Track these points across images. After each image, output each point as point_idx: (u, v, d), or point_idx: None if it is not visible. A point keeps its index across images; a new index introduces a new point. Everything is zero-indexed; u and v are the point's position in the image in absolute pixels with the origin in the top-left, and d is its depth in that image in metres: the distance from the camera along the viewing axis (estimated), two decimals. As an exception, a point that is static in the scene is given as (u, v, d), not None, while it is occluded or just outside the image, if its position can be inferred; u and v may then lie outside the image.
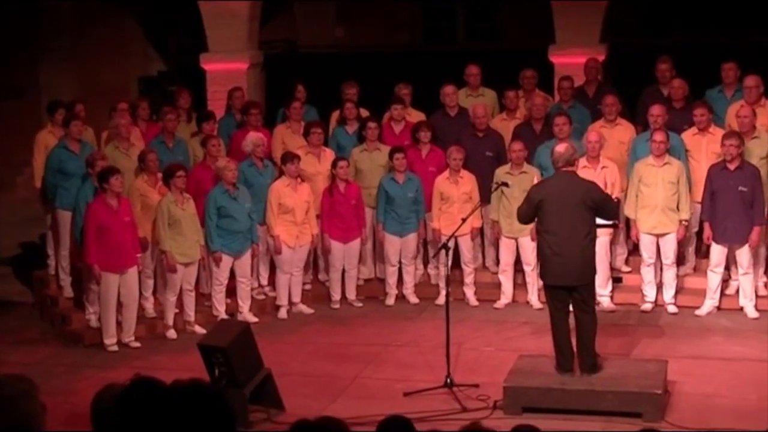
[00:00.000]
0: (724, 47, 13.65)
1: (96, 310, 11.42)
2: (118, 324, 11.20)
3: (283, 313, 12.22)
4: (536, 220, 9.65)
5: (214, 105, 14.12)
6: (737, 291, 11.81)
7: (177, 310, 11.61)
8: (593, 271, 9.56)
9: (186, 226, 11.38)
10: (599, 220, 9.57)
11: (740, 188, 11.37)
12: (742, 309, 11.65)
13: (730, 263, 11.83)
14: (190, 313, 11.65)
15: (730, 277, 11.99)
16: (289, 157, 12.08)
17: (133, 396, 3.57)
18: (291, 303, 12.28)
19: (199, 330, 11.37)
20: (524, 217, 9.78)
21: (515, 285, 12.32)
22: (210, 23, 14.51)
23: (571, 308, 9.49)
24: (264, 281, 12.63)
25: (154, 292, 11.90)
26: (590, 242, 9.42)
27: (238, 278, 11.90)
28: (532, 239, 11.85)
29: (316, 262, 12.90)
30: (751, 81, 12.13)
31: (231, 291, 11.98)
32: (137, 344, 11.23)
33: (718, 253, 11.58)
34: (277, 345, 10.95)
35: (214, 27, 14.51)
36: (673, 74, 12.73)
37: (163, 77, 17.08)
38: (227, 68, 14.44)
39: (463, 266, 12.35)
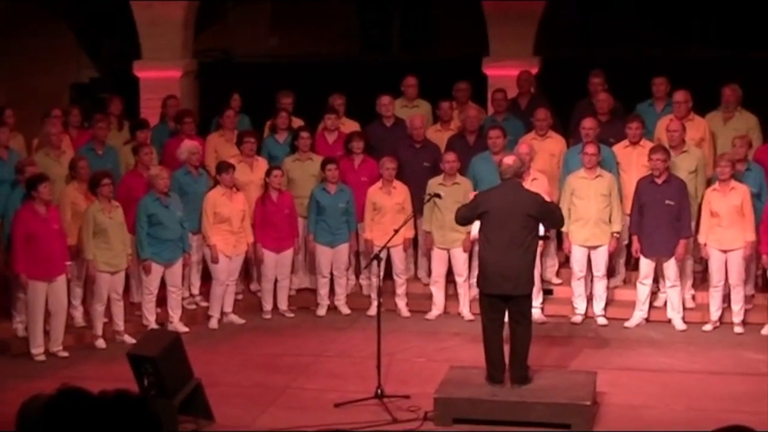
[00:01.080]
0: (655, 62, 13.82)
1: (23, 319, 11.26)
2: (46, 333, 11.05)
3: (213, 323, 12.14)
4: (480, 228, 9.67)
5: (147, 113, 14.02)
6: (665, 303, 11.95)
7: (106, 320, 11.48)
8: (532, 283, 9.62)
9: (113, 234, 11.27)
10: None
11: (667, 202, 11.51)
12: (670, 321, 11.78)
13: (659, 276, 11.97)
14: (119, 322, 11.52)
15: (659, 289, 12.13)
16: (224, 166, 12.03)
17: (58, 406, 3.52)
18: (222, 313, 12.20)
19: (129, 339, 11.25)
20: (462, 219, 9.87)
21: (447, 296, 12.35)
22: (144, 30, 14.42)
23: (506, 320, 9.53)
24: (195, 290, 12.54)
25: (84, 301, 11.77)
26: (532, 254, 9.49)
27: (169, 287, 11.80)
28: (465, 251, 11.92)
29: (248, 271, 12.84)
30: (680, 96, 12.29)
31: (162, 300, 11.89)
32: (65, 354, 11.09)
33: (646, 265, 11.71)
34: (208, 355, 10.87)
35: (147, 34, 14.43)
36: (605, 88, 12.86)
37: (96, 84, 16.91)
38: (161, 76, 14.36)
39: (395, 277, 12.36)
